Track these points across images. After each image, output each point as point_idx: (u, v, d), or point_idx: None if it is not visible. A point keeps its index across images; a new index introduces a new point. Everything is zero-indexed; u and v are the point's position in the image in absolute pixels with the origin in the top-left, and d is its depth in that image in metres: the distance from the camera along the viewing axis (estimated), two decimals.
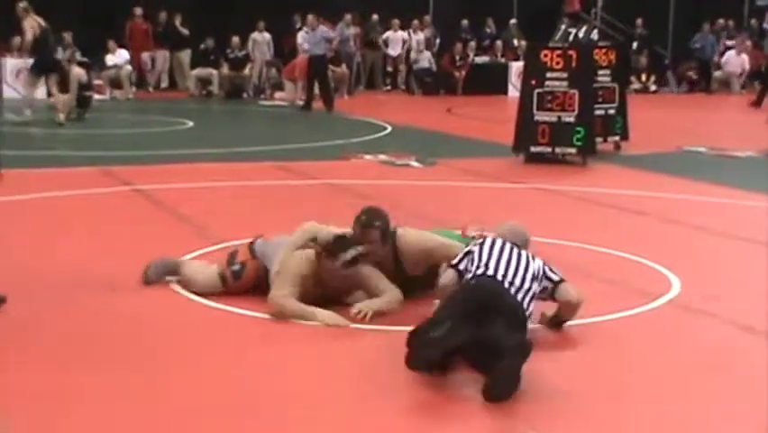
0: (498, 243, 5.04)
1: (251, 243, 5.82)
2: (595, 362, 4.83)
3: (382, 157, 11.94)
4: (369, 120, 16.66)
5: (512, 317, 4.55)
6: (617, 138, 12.85)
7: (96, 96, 17.63)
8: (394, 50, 23.23)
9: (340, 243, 5.39)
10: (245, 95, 21.70)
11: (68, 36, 19.87)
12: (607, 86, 12.50)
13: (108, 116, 16.88)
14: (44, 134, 13.89)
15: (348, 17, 22.33)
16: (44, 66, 15.53)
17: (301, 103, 18.99)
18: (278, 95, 20.92)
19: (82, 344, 4.86)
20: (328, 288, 5.48)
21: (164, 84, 22.25)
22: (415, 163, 11.47)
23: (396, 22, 23.11)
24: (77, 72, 15.73)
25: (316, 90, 18.72)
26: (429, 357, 4.34)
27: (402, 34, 23.17)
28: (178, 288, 5.81)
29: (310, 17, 18.78)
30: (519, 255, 4.98)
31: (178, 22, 21.70)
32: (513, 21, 24.60)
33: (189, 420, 3.97)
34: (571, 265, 6.56)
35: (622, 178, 10.89)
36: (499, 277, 4.80)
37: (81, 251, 6.78)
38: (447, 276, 5.10)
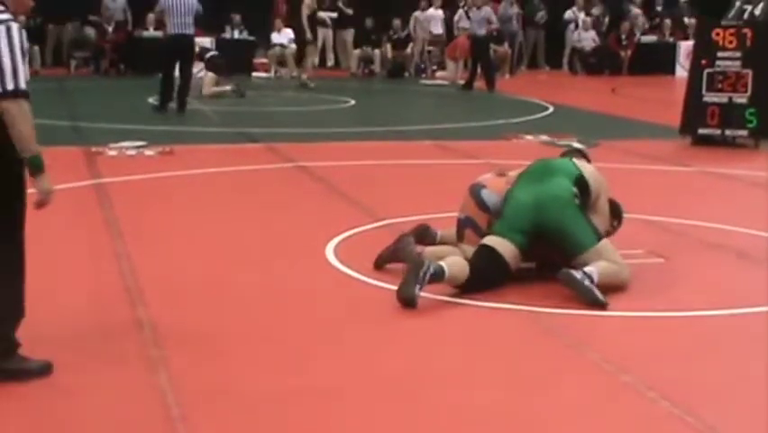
0: None
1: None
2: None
3: (543, 138, 11.77)
4: (530, 100, 16.45)
5: None
6: None
7: (262, 75, 18.08)
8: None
9: None
10: (407, 74, 21.77)
11: (236, 16, 20.40)
12: None
13: (273, 94, 17.24)
14: (212, 112, 14.29)
15: None
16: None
17: (462, 82, 18.91)
18: (439, 74, 20.89)
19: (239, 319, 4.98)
20: None
21: (330, 63, 22.53)
22: (577, 144, 11.24)
23: None
24: None
25: (479, 70, 18.58)
26: None
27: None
28: (334, 260, 5.84)
29: None
30: None
31: (340, 2, 21.92)
32: None
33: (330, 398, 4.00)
34: (743, 252, 6.32)
35: None
36: None
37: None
38: None
